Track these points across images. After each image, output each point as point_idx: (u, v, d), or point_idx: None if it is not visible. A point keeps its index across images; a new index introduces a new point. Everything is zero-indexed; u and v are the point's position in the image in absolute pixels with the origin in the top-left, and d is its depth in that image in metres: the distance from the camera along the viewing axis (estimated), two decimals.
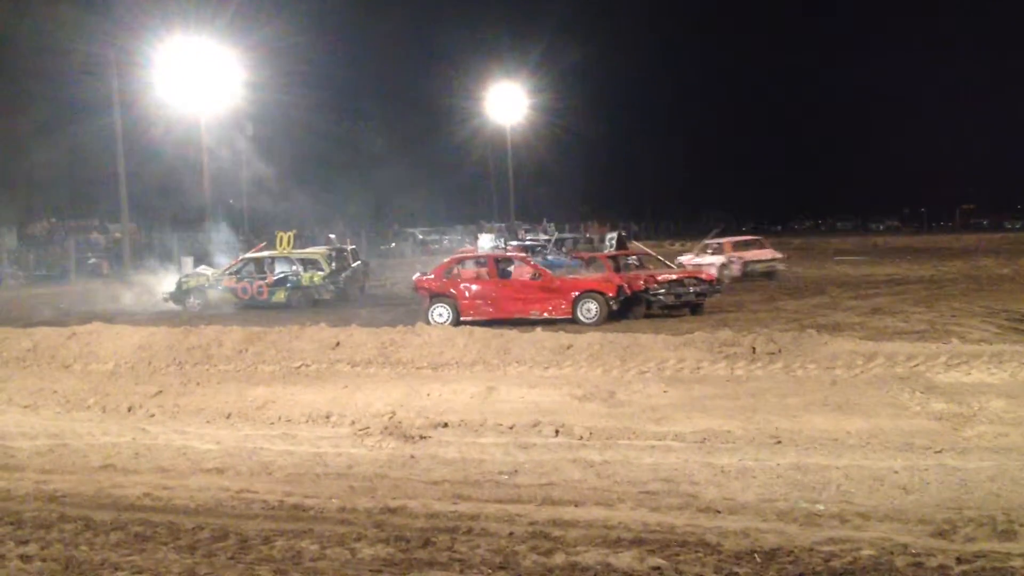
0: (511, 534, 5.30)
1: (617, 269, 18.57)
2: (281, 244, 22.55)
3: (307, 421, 8.50)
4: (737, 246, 27.09)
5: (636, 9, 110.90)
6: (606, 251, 21.91)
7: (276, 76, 45.26)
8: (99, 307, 20.80)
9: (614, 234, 22.76)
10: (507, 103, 59.14)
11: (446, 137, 65.15)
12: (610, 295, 16.14)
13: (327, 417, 8.53)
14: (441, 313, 16.15)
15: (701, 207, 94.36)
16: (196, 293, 21.46)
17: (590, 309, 16.03)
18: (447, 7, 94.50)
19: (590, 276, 17.80)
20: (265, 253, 22.73)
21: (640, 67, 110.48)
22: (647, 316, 16.66)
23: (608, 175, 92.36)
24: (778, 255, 26.97)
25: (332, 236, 31.40)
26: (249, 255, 23.04)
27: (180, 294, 21.59)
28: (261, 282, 21.25)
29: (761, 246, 27.70)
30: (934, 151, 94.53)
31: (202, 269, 23.86)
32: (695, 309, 17.41)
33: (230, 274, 21.72)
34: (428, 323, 14.23)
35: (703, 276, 18.04)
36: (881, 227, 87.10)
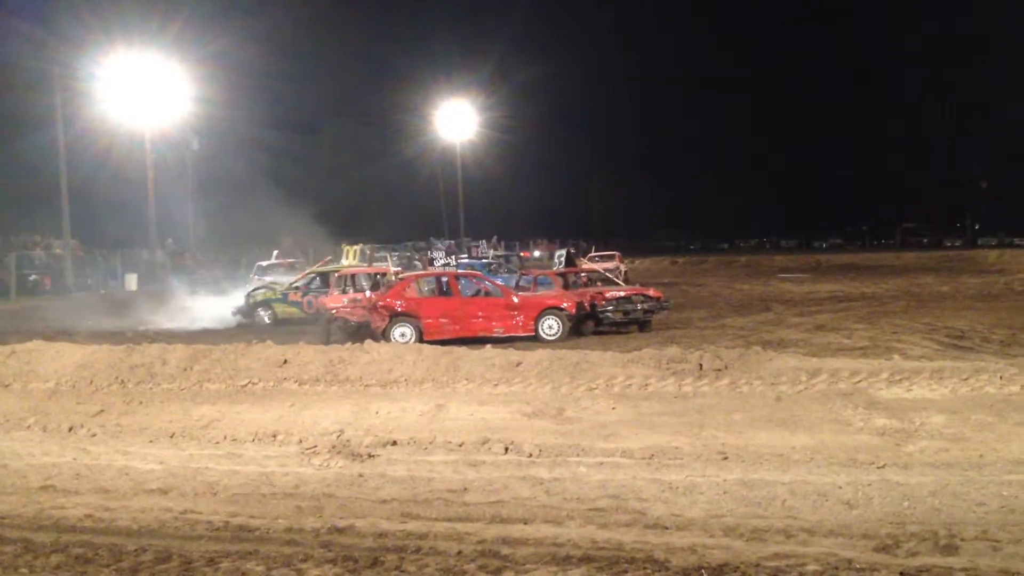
0: (460, 552, 5.28)
1: (566, 286, 18.64)
2: (347, 258, 22.18)
3: (253, 440, 8.39)
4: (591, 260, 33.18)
5: (587, 28, 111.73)
6: (555, 268, 22.02)
7: (225, 91, 44.94)
8: (42, 324, 20.40)
9: (563, 251, 22.87)
10: (458, 120, 59.28)
11: (397, 153, 65.04)
12: (571, 312, 16.27)
13: (274, 436, 8.43)
14: (404, 333, 15.79)
15: (651, 225, 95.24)
16: (264, 307, 21.34)
17: (552, 326, 16.15)
18: (398, 24, 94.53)
19: (550, 293, 17.87)
20: (332, 267, 22.50)
21: (591, 85, 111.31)
22: (596, 333, 16.73)
23: (559, 192, 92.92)
24: (610, 267, 33.12)
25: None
26: (316, 269, 22.88)
27: (249, 308, 21.46)
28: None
29: (613, 260, 36.46)
30: (876, 170, 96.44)
31: (271, 282, 23.65)
32: (643, 326, 17.52)
33: (296, 288, 21.56)
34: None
35: (651, 293, 18.10)
36: (824, 245, 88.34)
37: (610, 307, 17.17)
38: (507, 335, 15.84)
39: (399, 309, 16.17)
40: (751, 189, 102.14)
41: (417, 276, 18.71)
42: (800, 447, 7.43)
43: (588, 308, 16.79)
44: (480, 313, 16.43)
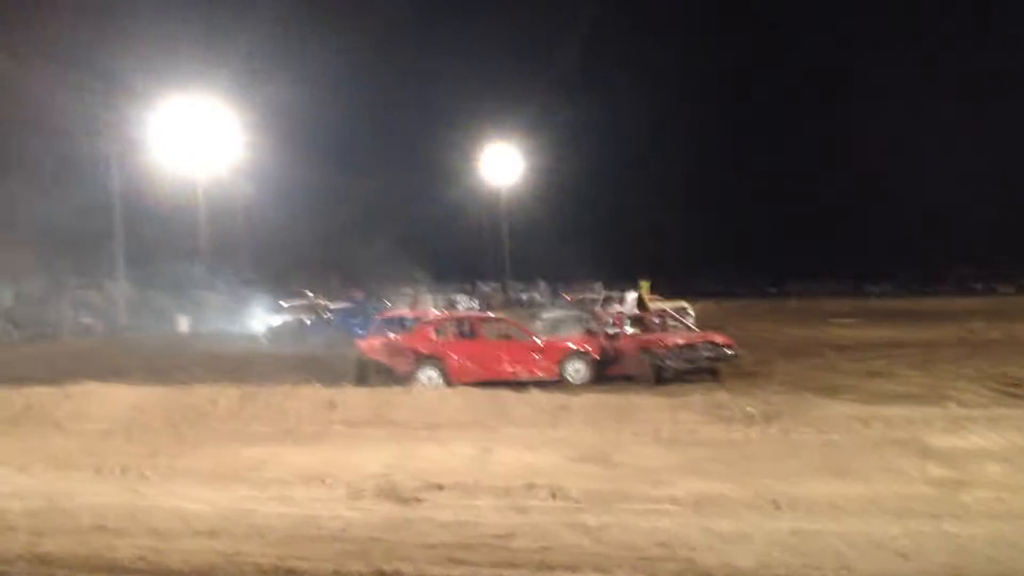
0: None
1: (644, 330, 18.29)
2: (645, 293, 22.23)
3: (301, 483, 8.41)
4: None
5: (633, 69, 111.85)
6: (627, 311, 21.74)
7: (275, 136, 45.79)
8: (94, 366, 20.69)
9: (635, 293, 22.50)
10: (502, 162, 60.11)
11: (442, 196, 65.68)
12: (595, 356, 16.25)
13: (321, 479, 8.45)
14: (430, 376, 15.78)
15: (700, 266, 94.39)
16: None
17: (578, 369, 16.16)
18: (446, 67, 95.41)
19: (574, 336, 17.77)
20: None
21: (638, 126, 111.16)
22: (660, 382, 15.51)
23: (607, 234, 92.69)
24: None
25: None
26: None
27: None
28: None
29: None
30: (928, 214, 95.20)
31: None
32: (713, 374, 16.28)
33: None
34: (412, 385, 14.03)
35: (718, 340, 16.76)
36: (876, 289, 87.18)
37: (671, 355, 16.01)
38: (532, 378, 15.68)
39: (424, 352, 16.17)
40: (803, 232, 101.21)
41: (441, 318, 18.70)
42: (853, 496, 7.29)
43: (616, 353, 16.65)
44: (505, 356, 16.41)
